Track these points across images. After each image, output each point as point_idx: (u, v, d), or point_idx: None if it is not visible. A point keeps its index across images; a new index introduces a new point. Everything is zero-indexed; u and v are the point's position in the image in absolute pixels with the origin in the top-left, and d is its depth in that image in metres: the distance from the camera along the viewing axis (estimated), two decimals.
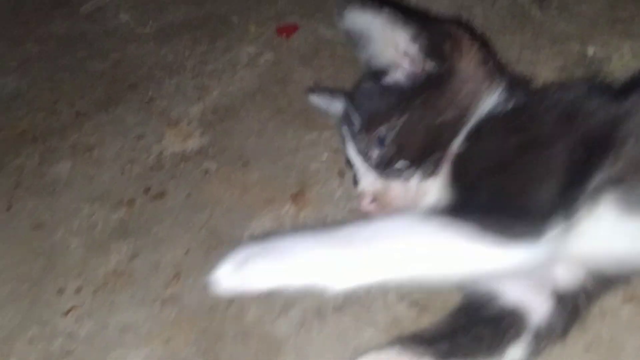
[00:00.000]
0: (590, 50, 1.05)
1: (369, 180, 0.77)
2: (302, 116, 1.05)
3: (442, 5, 1.15)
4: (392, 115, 0.74)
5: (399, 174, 0.74)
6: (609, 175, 0.62)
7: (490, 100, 0.75)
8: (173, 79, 1.22)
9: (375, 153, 0.75)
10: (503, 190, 0.63)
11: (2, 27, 1.47)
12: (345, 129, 0.80)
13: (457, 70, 0.75)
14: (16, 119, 1.20)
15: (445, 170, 0.73)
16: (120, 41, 1.35)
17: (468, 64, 0.76)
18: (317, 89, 1.00)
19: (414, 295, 0.77)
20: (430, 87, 0.74)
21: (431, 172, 0.74)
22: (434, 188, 0.74)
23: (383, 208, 0.76)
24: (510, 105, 0.73)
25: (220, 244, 0.89)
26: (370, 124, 0.75)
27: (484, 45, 0.80)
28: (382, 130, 0.74)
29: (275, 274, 0.58)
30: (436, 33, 0.75)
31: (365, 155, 0.76)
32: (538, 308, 0.68)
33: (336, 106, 0.89)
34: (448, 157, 0.73)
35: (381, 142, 0.74)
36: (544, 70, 1.02)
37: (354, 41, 0.75)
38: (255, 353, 0.75)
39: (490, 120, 0.72)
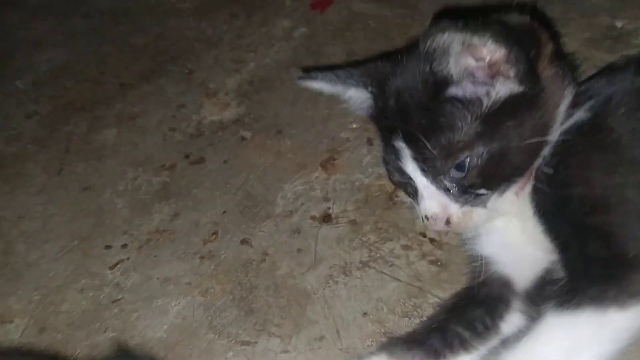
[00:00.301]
0: (619, 24, 1.07)
1: (439, 203, 0.69)
2: None
3: None
4: (476, 142, 0.65)
5: (476, 199, 0.69)
6: None
7: (566, 104, 0.69)
8: (211, 52, 1.28)
9: (452, 179, 0.68)
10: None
11: (50, 3, 1.54)
12: (400, 143, 0.69)
13: (543, 82, 0.67)
14: (64, 89, 1.28)
15: (524, 188, 0.70)
16: (161, 16, 1.42)
17: (548, 68, 0.68)
18: (313, 70, 0.82)
19: (436, 253, 0.82)
20: (517, 107, 0.66)
21: (504, 192, 0.69)
22: (504, 206, 0.71)
23: (454, 228, 0.71)
24: (586, 113, 0.68)
25: (255, 205, 0.95)
26: (447, 150, 0.66)
27: (555, 37, 0.72)
28: (464, 157, 0.66)
29: None
30: (525, 45, 0.65)
31: (437, 179, 0.68)
32: (524, 275, 0.71)
33: (354, 94, 0.79)
34: (528, 176, 0.69)
35: (461, 168, 0.66)
36: (573, 42, 1.04)
37: (432, 57, 0.66)
38: (286, 303, 0.81)
39: (579, 134, 0.67)
